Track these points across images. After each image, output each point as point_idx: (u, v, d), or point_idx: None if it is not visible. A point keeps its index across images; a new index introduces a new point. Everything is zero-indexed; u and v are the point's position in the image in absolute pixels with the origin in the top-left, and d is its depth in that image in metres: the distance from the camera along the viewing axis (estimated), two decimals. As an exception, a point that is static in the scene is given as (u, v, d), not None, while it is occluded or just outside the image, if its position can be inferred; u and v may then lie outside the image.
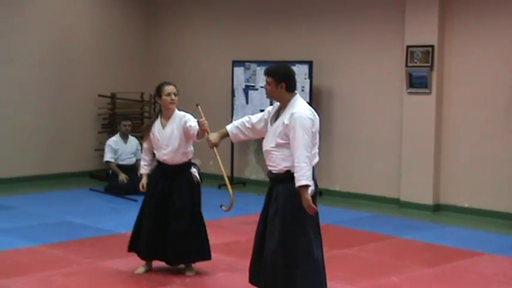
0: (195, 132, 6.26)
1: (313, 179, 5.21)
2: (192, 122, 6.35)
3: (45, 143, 11.66)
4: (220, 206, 5.91)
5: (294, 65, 10.45)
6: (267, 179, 11.38)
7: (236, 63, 11.19)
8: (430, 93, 9.57)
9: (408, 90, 9.74)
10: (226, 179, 6.01)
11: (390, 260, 7.13)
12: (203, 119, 6.11)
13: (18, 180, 11.24)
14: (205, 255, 6.49)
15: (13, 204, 9.62)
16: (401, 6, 9.80)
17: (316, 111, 10.83)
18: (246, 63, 11.06)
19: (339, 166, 10.59)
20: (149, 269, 6.51)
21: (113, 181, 10.53)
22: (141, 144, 11.20)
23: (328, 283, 6.24)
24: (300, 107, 5.26)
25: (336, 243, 7.73)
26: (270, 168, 5.43)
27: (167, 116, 6.49)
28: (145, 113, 12.54)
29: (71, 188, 11.07)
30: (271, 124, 5.40)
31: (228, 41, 11.82)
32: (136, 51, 12.75)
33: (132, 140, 10.90)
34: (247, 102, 11.05)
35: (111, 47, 12.42)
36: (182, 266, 6.52)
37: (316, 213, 5.27)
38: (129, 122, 10.89)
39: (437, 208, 9.67)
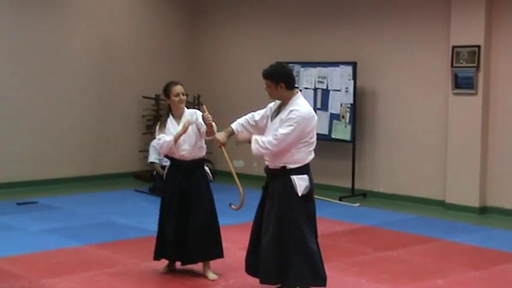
0: (204, 130, 6.27)
1: (309, 175, 5.53)
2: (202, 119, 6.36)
3: (90, 144, 11.77)
4: (230, 205, 6.00)
5: (338, 66, 10.44)
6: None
7: (280, 64, 11.14)
8: (476, 94, 9.44)
9: (454, 91, 9.62)
10: (236, 177, 6.01)
11: (436, 263, 7.04)
12: (207, 113, 6.11)
13: (64, 181, 11.37)
14: (220, 253, 6.49)
15: (59, 205, 9.73)
16: (447, 6, 9.68)
17: (360, 112, 10.82)
18: (290, 64, 10.99)
19: (383, 167, 10.51)
20: (173, 269, 6.55)
21: (157, 182, 10.57)
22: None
23: (373, 285, 6.21)
24: (299, 106, 5.46)
25: (381, 245, 7.68)
26: (266, 163, 5.63)
27: (178, 115, 6.48)
28: (189, 114, 12.56)
29: (116, 188, 11.16)
30: (271, 120, 5.60)
31: (272, 42, 11.80)
32: (181, 52, 12.81)
33: (176, 141, 10.92)
34: (290, 104, 11.00)
35: (155, 48, 12.50)
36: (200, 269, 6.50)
37: (312, 205, 5.61)
38: (172, 123, 10.91)
39: (483, 210, 9.52)
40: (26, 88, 11.01)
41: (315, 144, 5.59)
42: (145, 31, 12.41)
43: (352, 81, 10.30)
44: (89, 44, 11.71)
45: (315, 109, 10.69)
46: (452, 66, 9.57)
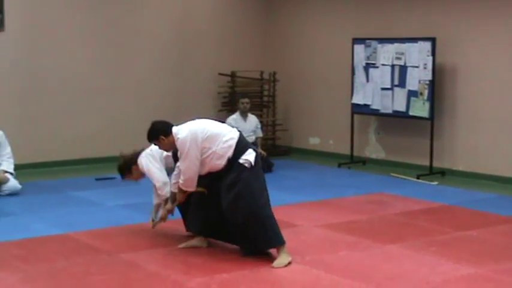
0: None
1: (249, 146, 6.28)
2: None
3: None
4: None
5: (416, 42, 10.24)
6: (388, 158, 11.21)
7: (356, 40, 11.01)
8: (562, 69, 9.12)
9: (538, 67, 9.32)
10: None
11: (518, 243, 6.86)
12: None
13: (141, 157, 11.50)
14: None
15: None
16: (532, -21, 9.36)
17: (439, 89, 10.56)
18: (367, 41, 10.87)
19: (463, 145, 10.27)
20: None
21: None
22: (261, 122, 11.27)
23: (452, 266, 6.09)
24: (178, 136, 6.19)
25: (460, 224, 7.51)
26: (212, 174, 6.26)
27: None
28: (264, 91, 12.56)
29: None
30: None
31: (348, 18, 11.65)
32: (256, 29, 12.77)
33: (252, 118, 10.92)
34: (367, 80, 10.88)
35: (230, 25, 12.49)
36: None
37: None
38: (246, 100, 10.90)
39: None
40: (103, 65, 11.18)
41: (222, 138, 6.18)
42: (221, 8, 12.41)
43: (431, 58, 10.08)
44: (165, 21, 11.79)
45: (392, 86, 10.56)
46: (536, 41, 9.26)
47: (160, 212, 6.80)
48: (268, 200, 6.22)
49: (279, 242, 6.13)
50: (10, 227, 7.36)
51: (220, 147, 6.15)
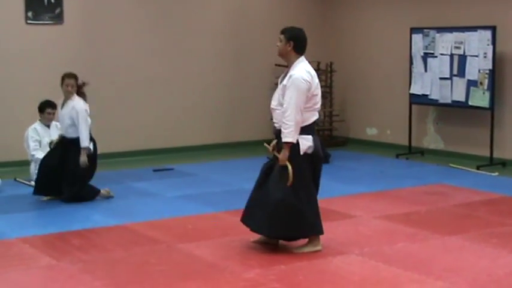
0: None
1: (313, 136, 5.96)
2: None
3: (223, 112, 11.91)
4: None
5: (476, 31, 10.06)
6: (447, 149, 11.07)
7: (414, 30, 10.87)
8: None
9: None
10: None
11: None
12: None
13: (198, 149, 11.57)
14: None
15: (194, 172, 9.91)
16: None
17: (499, 78, 10.35)
18: (425, 30, 10.72)
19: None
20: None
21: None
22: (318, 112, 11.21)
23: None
24: (298, 70, 5.89)
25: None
26: (274, 124, 6.13)
27: None
28: (321, 81, 12.45)
29: (249, 156, 11.23)
30: (279, 85, 6.05)
31: (405, 7, 11.49)
32: (312, 19, 12.69)
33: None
34: (425, 70, 10.74)
35: (287, 16, 12.42)
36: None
37: (318, 166, 6.06)
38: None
39: None
40: (160, 57, 11.26)
41: (319, 105, 6.02)
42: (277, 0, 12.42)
43: (491, 46, 9.89)
44: (222, 13, 11.81)
45: (451, 76, 10.40)
46: None
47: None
48: (299, 194, 5.96)
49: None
50: (70, 217, 7.49)
51: (305, 114, 5.92)
